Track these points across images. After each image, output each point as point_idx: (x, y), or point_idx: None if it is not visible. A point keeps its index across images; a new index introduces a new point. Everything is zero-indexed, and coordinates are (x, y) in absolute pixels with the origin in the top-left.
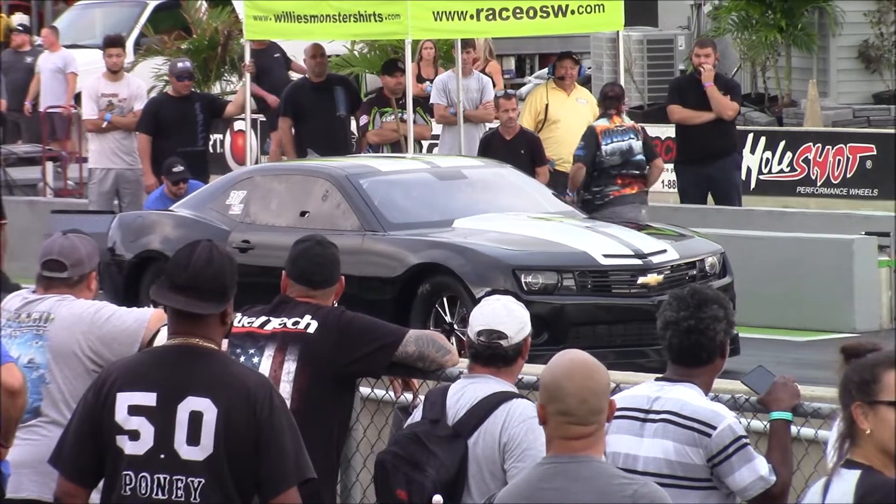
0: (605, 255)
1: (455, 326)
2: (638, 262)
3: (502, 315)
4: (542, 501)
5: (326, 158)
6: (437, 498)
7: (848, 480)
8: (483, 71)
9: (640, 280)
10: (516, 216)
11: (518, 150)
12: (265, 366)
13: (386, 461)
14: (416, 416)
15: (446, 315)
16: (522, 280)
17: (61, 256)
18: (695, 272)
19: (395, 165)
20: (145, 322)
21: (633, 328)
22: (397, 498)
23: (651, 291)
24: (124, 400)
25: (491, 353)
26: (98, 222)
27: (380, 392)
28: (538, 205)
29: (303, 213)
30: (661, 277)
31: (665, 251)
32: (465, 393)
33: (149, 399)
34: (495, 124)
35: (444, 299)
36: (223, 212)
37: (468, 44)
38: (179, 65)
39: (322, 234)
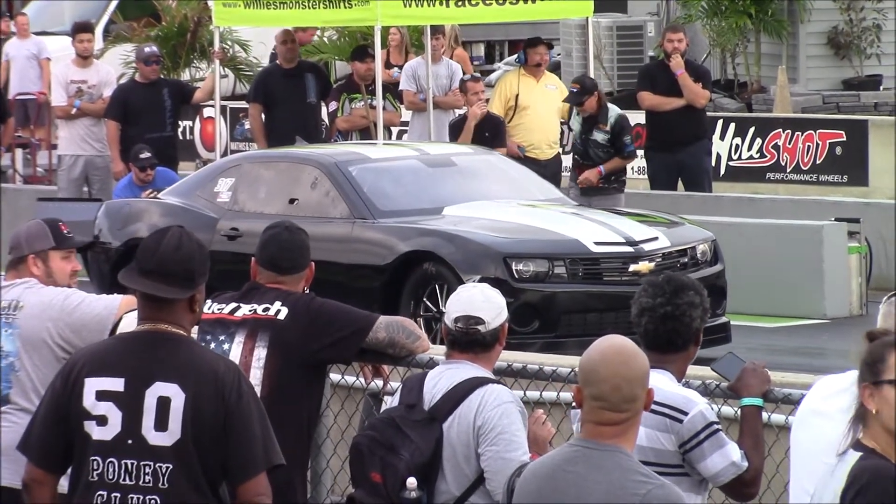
0: (597, 243)
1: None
2: (629, 249)
3: (479, 301)
4: (561, 483)
5: (315, 146)
6: (411, 480)
7: (848, 463)
8: (450, 58)
9: (632, 267)
10: (507, 203)
11: (483, 132)
12: (235, 352)
13: (361, 444)
14: (394, 401)
15: (440, 302)
16: (513, 268)
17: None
18: (686, 259)
19: (384, 153)
20: (114, 309)
21: (624, 316)
22: (372, 481)
23: (642, 279)
24: (92, 385)
25: (468, 340)
26: (84, 210)
27: (350, 378)
28: (528, 192)
29: (292, 201)
30: (652, 265)
31: (656, 238)
32: (441, 378)
33: (116, 384)
34: (464, 110)
35: (435, 287)
36: (211, 199)
37: (438, 30)
38: (147, 49)
39: (291, 221)
